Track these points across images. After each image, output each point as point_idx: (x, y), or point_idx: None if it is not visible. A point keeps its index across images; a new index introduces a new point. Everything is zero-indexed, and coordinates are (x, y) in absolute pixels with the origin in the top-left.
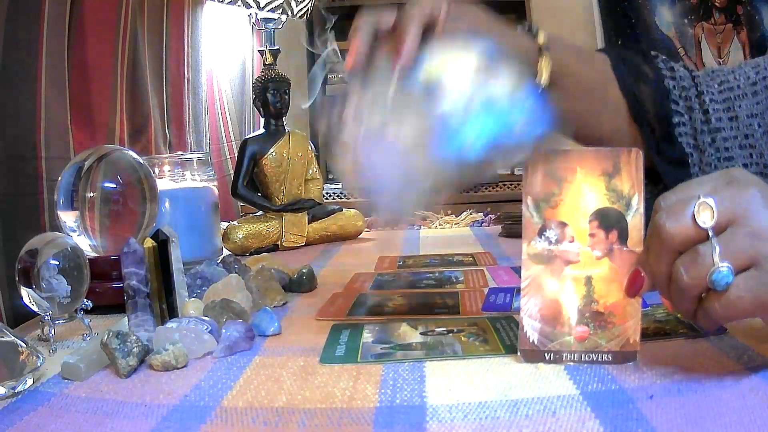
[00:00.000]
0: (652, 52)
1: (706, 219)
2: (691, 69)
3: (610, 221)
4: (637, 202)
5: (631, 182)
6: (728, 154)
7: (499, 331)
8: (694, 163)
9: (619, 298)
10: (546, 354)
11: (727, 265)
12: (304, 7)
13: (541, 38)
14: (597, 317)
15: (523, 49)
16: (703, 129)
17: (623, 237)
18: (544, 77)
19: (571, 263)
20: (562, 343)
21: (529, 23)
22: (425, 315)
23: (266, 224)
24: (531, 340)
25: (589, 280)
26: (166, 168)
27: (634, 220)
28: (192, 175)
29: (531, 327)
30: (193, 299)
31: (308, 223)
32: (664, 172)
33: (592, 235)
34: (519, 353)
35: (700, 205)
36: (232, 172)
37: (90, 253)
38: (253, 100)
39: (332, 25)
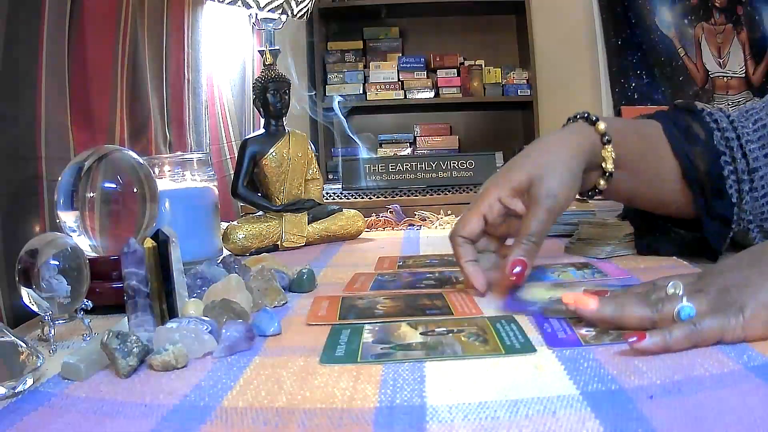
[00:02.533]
0: (698, 105)
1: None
2: (727, 112)
3: None
4: None
5: None
6: (765, 191)
7: (499, 331)
8: (734, 219)
9: None
10: None
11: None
12: (304, 7)
13: (601, 126)
14: None
15: (587, 141)
16: (743, 177)
17: None
18: (609, 165)
19: None
20: None
21: (587, 112)
22: (417, 317)
23: (266, 224)
24: None
25: None
26: (166, 168)
27: None
28: (192, 175)
29: None
30: (193, 299)
31: (308, 224)
32: (709, 230)
33: None
34: None
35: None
36: (232, 172)
37: (90, 253)
38: (253, 101)
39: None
